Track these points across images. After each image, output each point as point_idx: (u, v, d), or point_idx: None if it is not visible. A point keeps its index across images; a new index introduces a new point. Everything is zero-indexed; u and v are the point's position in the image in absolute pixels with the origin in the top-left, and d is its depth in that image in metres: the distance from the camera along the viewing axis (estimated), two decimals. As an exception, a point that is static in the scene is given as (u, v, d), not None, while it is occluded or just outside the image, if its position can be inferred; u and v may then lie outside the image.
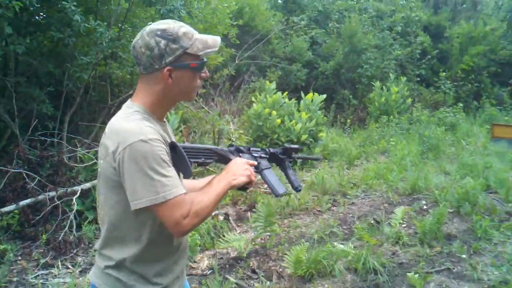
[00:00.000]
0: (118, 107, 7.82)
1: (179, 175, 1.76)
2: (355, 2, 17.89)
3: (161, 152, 1.65)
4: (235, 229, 5.77)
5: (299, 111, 9.66)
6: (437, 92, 16.45)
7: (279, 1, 18.86)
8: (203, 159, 1.87)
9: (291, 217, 6.31)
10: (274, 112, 9.04)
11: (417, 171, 7.71)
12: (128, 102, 1.82)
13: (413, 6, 18.38)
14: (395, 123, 12.03)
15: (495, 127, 11.74)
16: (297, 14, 17.48)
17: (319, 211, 6.53)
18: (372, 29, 16.40)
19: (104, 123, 7.60)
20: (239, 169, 1.86)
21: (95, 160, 6.03)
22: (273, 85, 10.08)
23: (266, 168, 2.13)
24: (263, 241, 5.29)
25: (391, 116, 12.44)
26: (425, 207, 6.46)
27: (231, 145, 2.04)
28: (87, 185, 5.80)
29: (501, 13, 19.24)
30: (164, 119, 1.92)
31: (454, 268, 4.63)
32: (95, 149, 6.49)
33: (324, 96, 10.15)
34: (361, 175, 7.98)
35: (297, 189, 2.23)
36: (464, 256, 4.85)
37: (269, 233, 5.31)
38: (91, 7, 6.99)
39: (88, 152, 6.28)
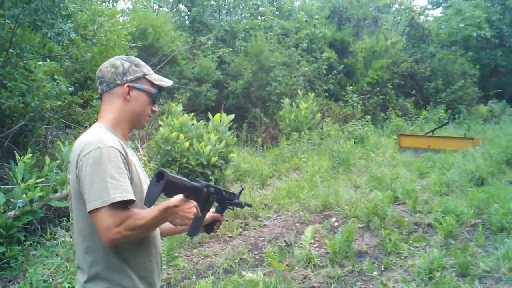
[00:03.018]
0: (13, 140, 7.28)
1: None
2: (260, 21, 17.99)
3: (117, 159, 1.77)
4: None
5: (208, 132, 9.36)
6: (346, 106, 16.78)
7: (186, 22, 18.63)
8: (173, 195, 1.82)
9: (201, 246, 6.00)
10: (181, 135, 8.68)
11: (328, 187, 7.64)
12: (93, 125, 1.98)
13: (317, 23, 18.77)
14: (306, 139, 12.04)
15: (402, 137, 12.11)
16: (204, 34, 17.30)
17: (230, 236, 6.26)
18: (278, 46, 16.51)
19: (-4, 157, 6.99)
20: (186, 211, 1.83)
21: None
22: (180, 107, 9.72)
23: (207, 210, 2.10)
24: (170, 276, 4.92)
25: (302, 132, 12.45)
26: (336, 223, 6.36)
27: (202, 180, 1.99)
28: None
29: (400, 27, 20.14)
30: (128, 141, 2.07)
31: (366, 287, 4.50)
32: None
33: (233, 116, 9.93)
34: (273, 195, 7.80)
35: (208, 232, 2.33)
36: (375, 273, 4.75)
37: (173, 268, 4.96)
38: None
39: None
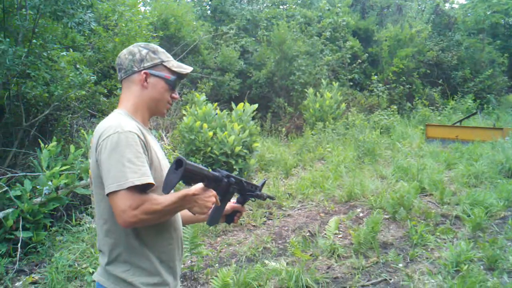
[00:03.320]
0: (39, 129, 7.35)
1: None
2: (282, 10, 17.80)
3: (135, 143, 1.79)
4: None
5: (231, 122, 9.31)
6: (371, 96, 16.52)
7: (208, 12, 18.57)
8: (193, 183, 1.83)
9: (225, 235, 5.98)
10: (205, 125, 8.65)
11: (353, 177, 7.54)
12: (114, 111, 2.01)
13: (340, 11, 18.49)
14: (331, 129, 11.93)
15: (429, 128, 11.91)
16: (226, 24, 17.23)
17: (253, 226, 6.23)
18: (301, 35, 16.31)
19: (22, 145, 7.08)
20: (205, 200, 1.82)
21: (6, 188, 5.51)
22: (203, 97, 9.70)
23: (227, 200, 2.10)
24: (193, 263, 4.92)
25: (327, 122, 12.34)
26: (361, 214, 6.28)
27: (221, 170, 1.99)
28: (-1, 214, 5.26)
29: (425, 15, 19.72)
30: (148, 127, 2.09)
31: (391, 279, 4.43)
32: (7, 175, 5.96)
33: (256, 105, 9.84)
34: (297, 185, 7.73)
35: (229, 222, 2.29)
36: (400, 265, 4.67)
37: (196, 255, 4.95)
38: (-2, 23, 6.42)
39: (-1, 179, 5.72)
